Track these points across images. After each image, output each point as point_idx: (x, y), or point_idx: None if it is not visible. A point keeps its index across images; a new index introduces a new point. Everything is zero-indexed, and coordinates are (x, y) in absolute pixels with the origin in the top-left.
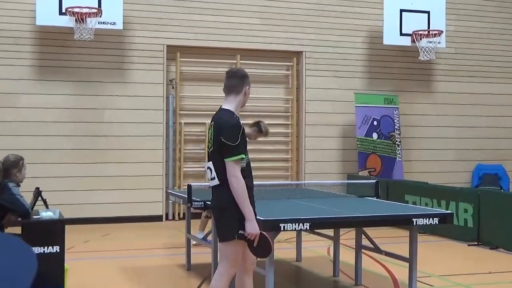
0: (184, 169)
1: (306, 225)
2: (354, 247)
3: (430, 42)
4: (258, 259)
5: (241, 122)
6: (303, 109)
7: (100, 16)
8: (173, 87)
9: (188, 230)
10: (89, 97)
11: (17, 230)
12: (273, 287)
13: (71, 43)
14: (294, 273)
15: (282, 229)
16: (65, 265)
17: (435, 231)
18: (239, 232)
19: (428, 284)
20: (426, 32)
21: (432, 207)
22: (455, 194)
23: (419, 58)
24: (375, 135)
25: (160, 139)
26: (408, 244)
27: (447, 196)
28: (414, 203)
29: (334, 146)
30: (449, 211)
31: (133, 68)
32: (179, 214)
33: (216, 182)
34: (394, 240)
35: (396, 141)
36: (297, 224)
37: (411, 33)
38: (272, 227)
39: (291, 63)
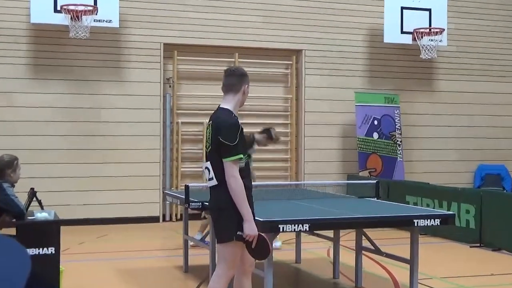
0: (182, 169)
1: (306, 226)
2: (354, 248)
3: (431, 40)
4: (257, 261)
5: (240, 121)
6: (302, 108)
7: (96, 14)
8: (170, 86)
9: (186, 232)
10: (85, 96)
11: (12, 231)
12: None
13: (67, 41)
14: (293, 275)
15: (281, 230)
16: (60, 266)
17: (436, 233)
18: (237, 233)
19: (430, 286)
20: (428, 30)
21: (433, 208)
22: (457, 194)
23: (420, 56)
24: (375, 135)
25: (157, 139)
26: (409, 246)
27: (449, 197)
28: (415, 204)
29: (334, 146)
30: (450, 212)
31: (130, 66)
32: (176, 215)
33: (214, 182)
34: (395, 241)
35: (397, 141)
36: (296, 225)
37: (412, 31)
38: (271, 228)
39: (290, 62)
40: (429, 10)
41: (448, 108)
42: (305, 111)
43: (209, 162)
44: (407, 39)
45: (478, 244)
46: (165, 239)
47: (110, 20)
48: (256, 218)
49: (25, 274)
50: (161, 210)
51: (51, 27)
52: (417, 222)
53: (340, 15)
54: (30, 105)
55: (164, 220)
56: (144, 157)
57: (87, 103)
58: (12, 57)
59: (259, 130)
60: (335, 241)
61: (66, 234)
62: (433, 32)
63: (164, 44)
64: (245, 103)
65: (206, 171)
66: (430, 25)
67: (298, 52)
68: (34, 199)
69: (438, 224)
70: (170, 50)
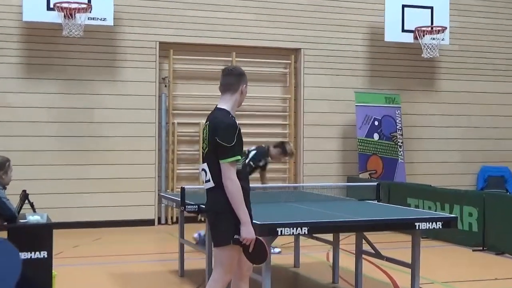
0: (177, 171)
1: (305, 229)
2: (354, 252)
3: (433, 38)
4: (255, 265)
5: (238, 122)
6: (301, 108)
7: (90, 12)
8: (166, 86)
9: (181, 235)
10: (78, 96)
11: (3, 234)
12: None
13: (60, 40)
14: (292, 279)
15: (279, 233)
16: (53, 271)
17: (438, 236)
18: (235, 237)
19: None
20: (429, 28)
21: (435, 211)
22: (459, 197)
23: (422, 55)
24: (376, 136)
25: (152, 140)
26: (410, 249)
27: (451, 199)
28: (417, 206)
29: (334, 147)
30: (453, 215)
31: (124, 66)
32: (172, 218)
33: (211, 184)
34: (396, 245)
35: (398, 142)
36: (295, 228)
37: (413, 29)
38: (269, 231)
39: (289, 61)
40: (431, 8)
41: (450, 108)
42: (304, 112)
43: (205, 164)
44: (409, 38)
45: (481, 248)
46: (161, 242)
47: (105, 18)
48: (253, 221)
49: (16, 274)
50: (157, 213)
51: (44, 25)
52: (419, 225)
53: (340, 13)
54: (22, 105)
55: (159, 223)
56: (139, 159)
57: (80, 103)
58: (4, 56)
59: (274, 143)
60: (335, 244)
61: (59, 238)
62: (435, 30)
63: (160, 42)
64: (243, 103)
65: (203, 173)
66: (432, 23)
67: (297, 51)
68: (26, 201)
69: (440, 227)
70: (166, 49)
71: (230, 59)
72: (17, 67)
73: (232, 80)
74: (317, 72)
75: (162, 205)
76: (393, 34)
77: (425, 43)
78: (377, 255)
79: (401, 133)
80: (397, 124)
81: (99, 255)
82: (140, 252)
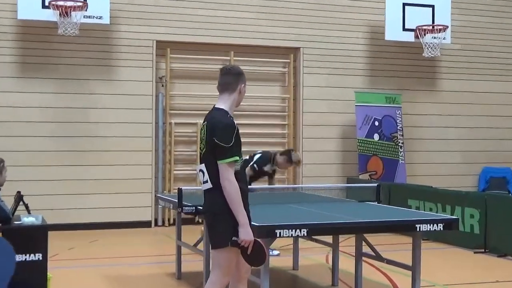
0: (175, 172)
1: (304, 231)
2: (354, 254)
3: (434, 37)
4: (253, 267)
5: (236, 122)
6: (300, 108)
7: (86, 10)
8: (163, 85)
9: (179, 237)
10: (74, 95)
11: None
12: None
13: (55, 39)
14: (290, 282)
15: (278, 235)
16: (48, 273)
17: (439, 238)
18: (233, 238)
19: None
20: (431, 27)
21: (436, 212)
22: (460, 198)
23: (423, 54)
24: (376, 136)
25: (149, 140)
26: (411, 252)
27: (452, 201)
28: (418, 208)
29: (333, 147)
30: (454, 217)
31: (121, 65)
32: (169, 220)
33: (208, 185)
34: (396, 247)
35: (399, 142)
36: (294, 230)
37: (414, 28)
38: (267, 233)
39: (288, 60)
40: (432, 6)
41: (452, 108)
42: (303, 112)
43: (203, 165)
44: (409, 37)
45: (483, 250)
46: (157, 244)
47: (101, 17)
48: (252, 222)
49: (9, 273)
50: (153, 214)
51: (39, 24)
52: (420, 227)
53: (340, 12)
54: (16, 105)
55: (156, 224)
56: (135, 159)
57: (76, 103)
58: None
59: (281, 151)
60: (334, 246)
61: (55, 240)
62: (437, 29)
63: (157, 41)
64: (241, 103)
65: (201, 173)
66: (433, 22)
67: (296, 50)
68: (21, 203)
69: (441, 229)
70: (163, 47)
71: (228, 58)
72: (12, 66)
73: (230, 79)
74: (316, 71)
75: (159, 206)
76: (393, 33)
77: (426, 42)
78: (377, 257)
79: (401, 133)
80: (398, 124)
81: (95, 257)
82: (137, 254)
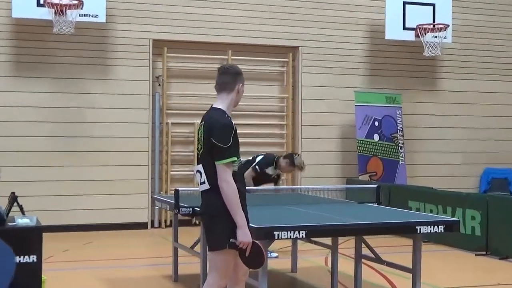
0: (171, 172)
1: (302, 233)
2: (354, 256)
3: (435, 37)
4: (251, 269)
5: (233, 122)
6: (299, 108)
7: (81, 8)
8: (159, 85)
9: (175, 239)
10: (69, 95)
11: None
12: None
13: (50, 37)
14: (289, 284)
15: (276, 237)
16: (42, 276)
17: (440, 240)
18: (230, 240)
19: None
20: (431, 26)
21: (437, 214)
22: (461, 200)
23: (423, 54)
24: (376, 137)
25: (146, 140)
26: (411, 254)
27: (453, 202)
28: (418, 209)
29: (333, 148)
30: (455, 218)
31: (117, 64)
32: (165, 221)
33: (206, 186)
34: (396, 249)
35: (399, 143)
36: (292, 232)
37: (415, 27)
38: (265, 235)
39: (287, 59)
40: (433, 5)
41: (453, 108)
42: (301, 112)
43: (200, 165)
44: (410, 36)
45: (484, 252)
46: (154, 246)
47: (97, 15)
48: (250, 224)
49: (9, 275)
50: (150, 216)
51: (34, 22)
52: (420, 229)
53: (339, 10)
54: (10, 105)
55: (152, 226)
56: (131, 160)
57: (71, 103)
58: None
59: (284, 154)
60: (334, 249)
61: (49, 241)
62: (437, 28)
63: (154, 40)
64: (239, 103)
65: (198, 174)
66: (434, 21)
67: (294, 49)
68: (15, 204)
69: (442, 231)
70: (160, 46)
71: (226, 57)
72: (6, 65)
73: (228, 79)
74: (315, 70)
75: (156, 207)
76: (394, 32)
77: (427, 41)
78: (377, 259)
79: (402, 133)
80: (398, 124)
81: (90, 259)
82: (133, 256)
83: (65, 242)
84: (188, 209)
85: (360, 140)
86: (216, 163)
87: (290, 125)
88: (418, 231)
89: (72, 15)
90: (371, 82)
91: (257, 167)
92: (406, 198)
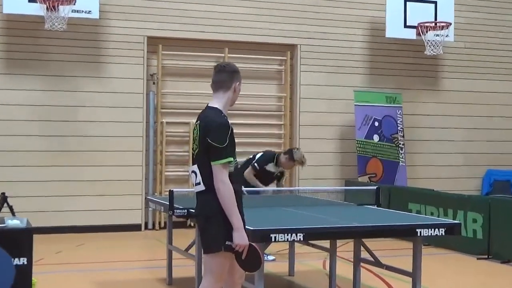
0: (166, 173)
1: (300, 235)
2: (352, 260)
3: (437, 35)
4: (247, 273)
5: (230, 121)
6: (297, 108)
7: (74, 4)
8: (154, 83)
9: (170, 241)
10: (62, 93)
11: None
12: None
13: (42, 34)
14: None
15: (273, 240)
16: (33, 278)
17: (441, 243)
18: (226, 243)
19: None
20: (433, 24)
21: (438, 217)
22: (463, 202)
23: (425, 52)
24: (376, 137)
25: (140, 140)
26: (411, 257)
27: (455, 205)
28: (419, 212)
29: (331, 149)
30: (456, 221)
31: (110, 61)
32: (159, 223)
33: (201, 187)
34: (396, 252)
35: (399, 144)
36: (289, 234)
37: (416, 25)
38: (262, 237)
39: (285, 58)
40: (435, 2)
41: (455, 108)
42: (300, 111)
43: (196, 166)
44: (411, 34)
45: (486, 256)
46: (148, 248)
47: (90, 11)
48: (246, 226)
49: (10, 281)
50: (143, 217)
51: (25, 18)
52: (420, 232)
53: (339, 8)
54: (1, 103)
55: (146, 228)
56: (125, 160)
57: (63, 101)
58: None
59: (284, 150)
60: (332, 252)
61: (40, 243)
62: (439, 26)
63: (148, 37)
64: (236, 102)
65: (193, 175)
66: (435, 19)
67: (293, 47)
68: (5, 204)
69: (443, 234)
70: (154, 44)
71: (223, 55)
72: None
73: (224, 77)
74: (314, 69)
75: (150, 209)
76: (394, 30)
77: (428, 40)
78: (376, 263)
79: (402, 134)
80: (398, 125)
81: (82, 261)
82: (126, 258)
83: (57, 243)
84: (183, 211)
85: (359, 141)
86: (212, 163)
87: (288, 125)
88: (419, 234)
89: (65, 11)
90: (371, 81)
91: (256, 164)
92: (406, 200)
